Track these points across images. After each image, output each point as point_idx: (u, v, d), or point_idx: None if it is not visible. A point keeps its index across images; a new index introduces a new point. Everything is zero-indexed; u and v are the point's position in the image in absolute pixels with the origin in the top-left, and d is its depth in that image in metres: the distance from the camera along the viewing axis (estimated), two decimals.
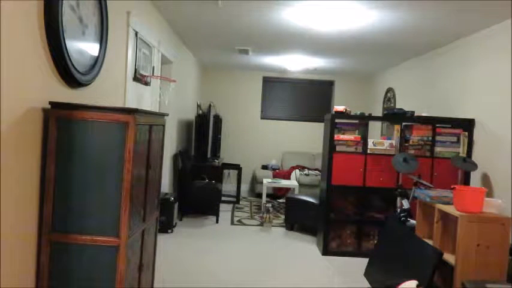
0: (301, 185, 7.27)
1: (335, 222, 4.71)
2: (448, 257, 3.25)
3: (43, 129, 2.16)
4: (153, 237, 2.84)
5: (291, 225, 5.70)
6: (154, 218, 2.82)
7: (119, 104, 3.38)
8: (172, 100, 5.44)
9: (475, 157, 4.37)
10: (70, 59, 2.32)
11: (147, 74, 4.22)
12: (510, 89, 3.81)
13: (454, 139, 4.59)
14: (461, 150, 4.55)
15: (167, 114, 3.09)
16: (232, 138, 8.65)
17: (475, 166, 4.17)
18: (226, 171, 8.28)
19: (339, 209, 4.72)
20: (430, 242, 3.45)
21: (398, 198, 4.17)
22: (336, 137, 4.63)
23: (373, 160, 4.60)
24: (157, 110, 4.78)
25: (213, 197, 5.84)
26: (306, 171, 7.74)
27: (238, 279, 3.84)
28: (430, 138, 4.59)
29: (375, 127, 7.28)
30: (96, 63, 2.73)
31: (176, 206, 5.35)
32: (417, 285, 2.85)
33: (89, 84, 2.67)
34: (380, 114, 7.14)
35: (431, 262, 2.97)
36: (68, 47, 2.29)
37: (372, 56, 6.19)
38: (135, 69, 3.80)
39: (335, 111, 4.69)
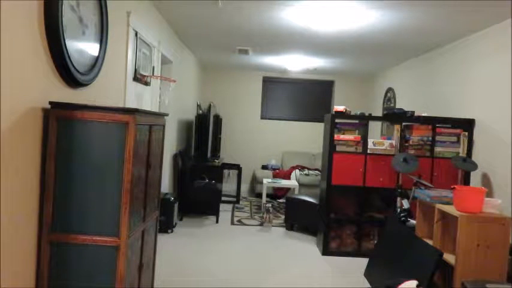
0: (301, 185, 7.27)
1: (335, 222, 4.71)
2: (448, 257, 3.25)
3: (43, 129, 2.16)
4: (153, 237, 2.84)
5: (291, 225, 5.70)
6: (154, 218, 2.82)
7: (119, 104, 3.38)
8: (172, 100, 5.45)
9: (475, 157, 4.37)
10: (70, 59, 2.32)
11: (147, 74, 4.22)
12: (510, 89, 3.81)
13: (454, 139, 4.59)
14: (461, 150, 4.55)
15: (167, 114, 3.09)
16: (232, 138, 8.65)
17: (475, 166, 4.17)
18: (226, 171, 8.27)
19: (339, 209, 4.72)
20: (430, 242, 3.45)
21: (399, 198, 4.17)
22: (336, 137, 4.62)
23: (373, 160, 4.60)
24: (157, 110, 4.78)
25: (213, 197, 5.84)
26: (306, 171, 7.74)
27: (238, 279, 3.84)
28: (430, 138, 4.59)
29: (375, 127, 7.28)
30: (96, 63, 2.73)
31: (176, 206, 5.35)
32: (417, 285, 2.85)
33: (89, 84, 2.67)
34: (380, 114, 7.14)
35: (431, 262, 2.97)
36: (68, 47, 2.29)
37: (372, 56, 6.19)
38: (135, 69, 3.80)
39: (335, 111, 4.69)
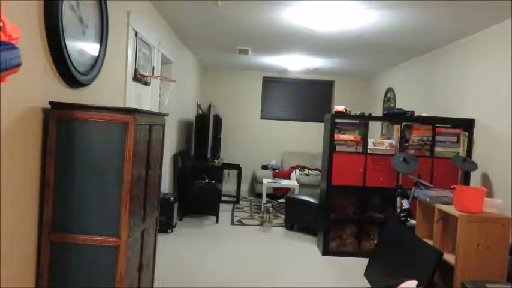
0: (301, 185, 7.27)
1: (335, 222, 4.71)
2: (448, 257, 3.25)
3: (43, 129, 2.16)
4: (153, 237, 2.84)
5: (291, 225, 5.70)
6: (154, 218, 2.82)
7: (118, 104, 3.38)
8: (172, 100, 5.45)
9: (475, 157, 4.37)
10: (70, 59, 2.32)
11: (147, 74, 4.22)
12: (510, 89, 3.81)
13: (454, 139, 4.59)
14: (461, 150, 4.55)
15: (167, 114, 3.09)
16: (232, 138, 8.65)
17: (475, 166, 4.17)
18: (226, 171, 8.27)
19: (339, 209, 4.72)
20: (430, 242, 3.45)
21: (398, 198, 4.17)
22: (336, 137, 4.62)
23: (373, 160, 4.60)
24: (157, 110, 4.78)
25: (213, 197, 5.84)
26: (306, 171, 7.73)
27: (238, 279, 3.84)
28: (430, 138, 4.59)
29: (375, 127, 7.28)
30: (96, 63, 2.73)
31: (176, 206, 5.35)
32: (417, 285, 2.85)
33: (89, 84, 2.67)
34: (380, 114, 7.14)
35: (431, 262, 2.97)
36: (68, 47, 2.29)
37: (372, 56, 6.19)
38: (135, 69, 3.80)
39: (335, 111, 4.69)
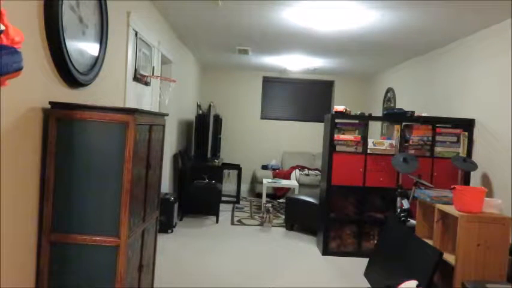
0: (301, 185, 7.27)
1: (335, 222, 4.71)
2: (448, 257, 3.25)
3: (43, 129, 2.16)
4: (153, 237, 2.84)
5: (291, 225, 5.70)
6: (154, 218, 2.82)
7: (118, 104, 3.38)
8: (172, 100, 5.45)
9: (475, 157, 4.37)
10: (70, 59, 2.32)
11: (147, 74, 4.22)
12: (510, 89, 3.81)
13: (454, 139, 4.59)
14: (461, 150, 4.55)
15: (167, 114, 3.09)
16: (232, 138, 8.65)
17: (475, 166, 4.18)
18: (226, 171, 8.27)
19: (339, 209, 4.72)
20: (430, 242, 3.45)
21: (398, 198, 4.17)
22: (336, 137, 4.62)
23: (373, 160, 4.60)
24: (157, 110, 4.79)
25: (213, 197, 5.84)
26: (306, 171, 7.74)
27: (238, 279, 3.84)
28: (430, 138, 4.59)
29: (375, 127, 7.29)
30: (96, 63, 2.73)
31: (176, 206, 5.35)
32: (417, 285, 2.86)
33: (89, 84, 2.67)
34: (380, 114, 7.14)
35: (431, 262, 2.97)
36: (68, 47, 2.29)
37: (372, 56, 6.19)
38: (135, 69, 3.80)
39: (335, 111, 4.69)
